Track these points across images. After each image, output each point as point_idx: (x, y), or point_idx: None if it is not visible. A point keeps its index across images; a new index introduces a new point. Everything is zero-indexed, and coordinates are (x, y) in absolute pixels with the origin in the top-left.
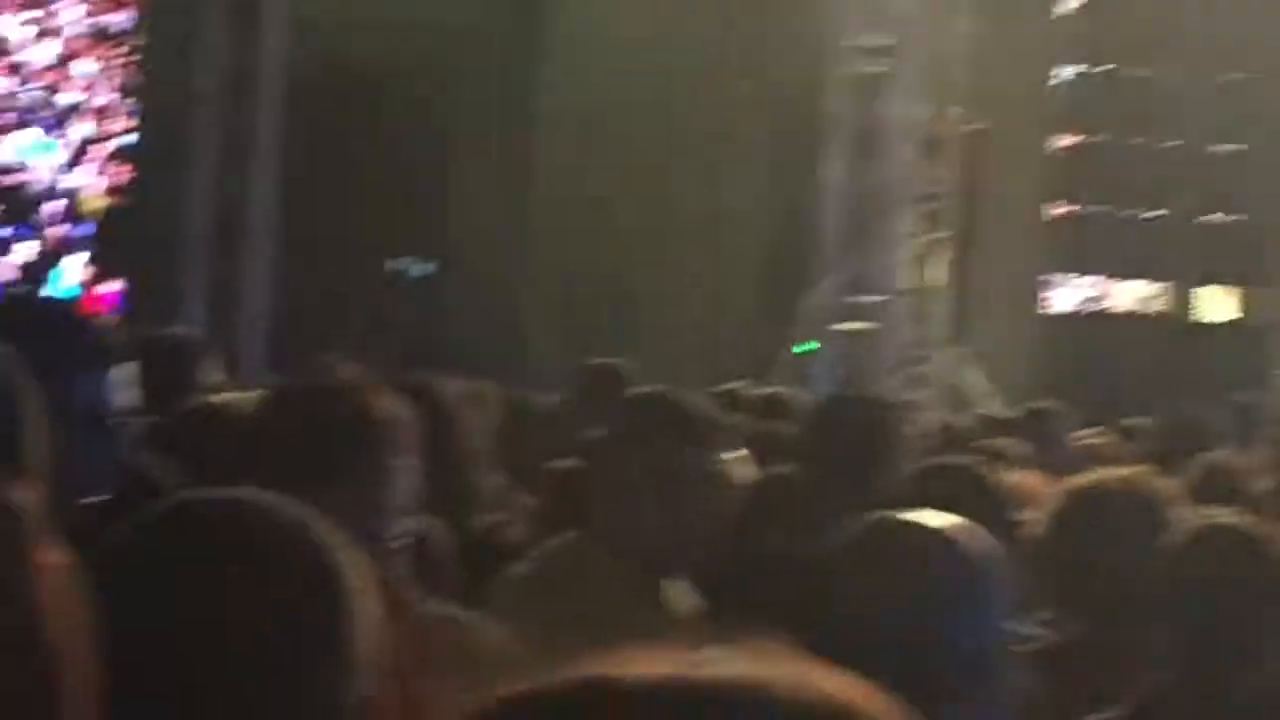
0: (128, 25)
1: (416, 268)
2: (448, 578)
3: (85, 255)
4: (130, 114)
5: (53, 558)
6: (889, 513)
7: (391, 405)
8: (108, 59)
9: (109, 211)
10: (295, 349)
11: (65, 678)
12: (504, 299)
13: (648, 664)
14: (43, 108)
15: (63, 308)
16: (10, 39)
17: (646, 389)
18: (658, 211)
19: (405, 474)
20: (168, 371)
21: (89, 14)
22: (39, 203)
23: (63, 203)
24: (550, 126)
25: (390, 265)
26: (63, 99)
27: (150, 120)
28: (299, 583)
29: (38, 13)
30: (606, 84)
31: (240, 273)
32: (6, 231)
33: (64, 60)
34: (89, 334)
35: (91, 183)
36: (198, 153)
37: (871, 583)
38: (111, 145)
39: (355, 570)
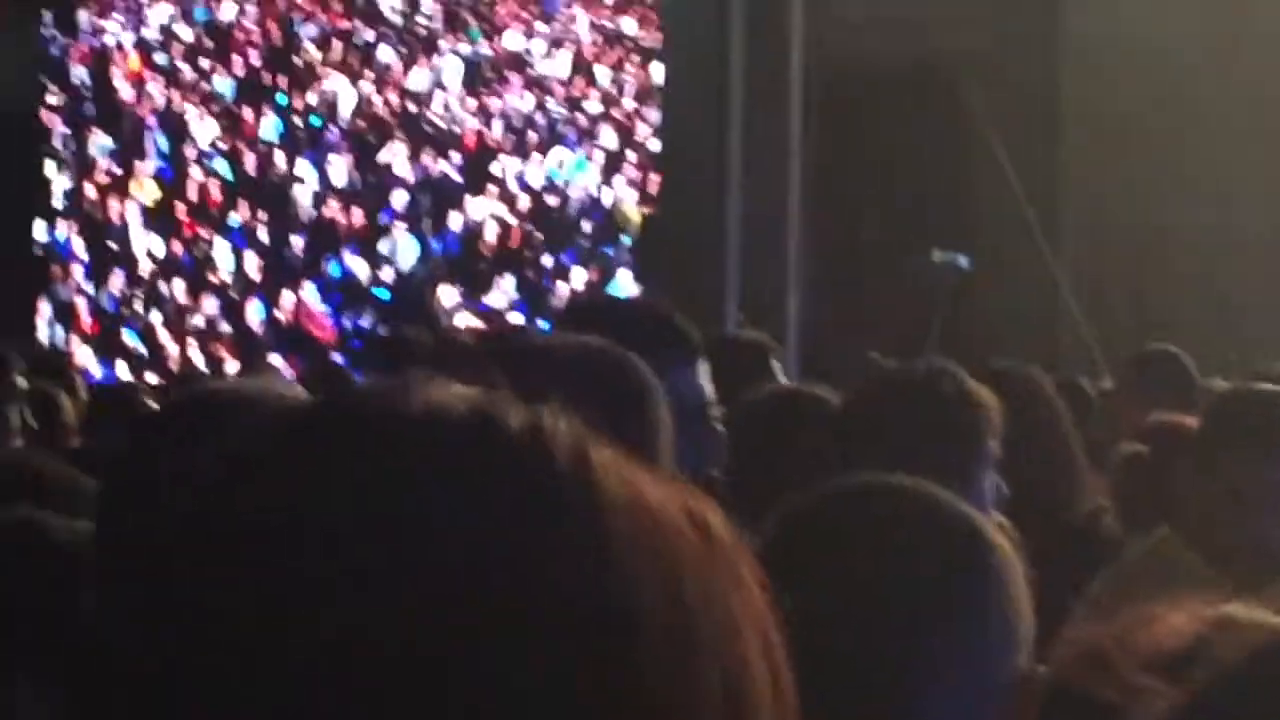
0: (641, 32)
1: (958, 260)
2: None
3: (629, 270)
4: (652, 122)
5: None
6: None
7: (985, 392)
8: (624, 66)
9: (645, 222)
10: (830, 350)
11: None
12: (1035, 290)
13: None
14: (566, 123)
15: (652, 305)
16: (523, 52)
17: (1235, 387)
18: (1183, 199)
19: (992, 462)
20: (739, 369)
21: (599, 19)
22: (580, 222)
23: (601, 219)
24: (1074, 121)
25: (930, 258)
26: (585, 109)
27: (673, 127)
28: (965, 560)
29: (544, 27)
30: (1126, 77)
31: (773, 277)
32: (548, 259)
33: (580, 71)
34: (678, 329)
35: (626, 195)
36: (725, 158)
37: None
38: (638, 155)
39: (1007, 550)
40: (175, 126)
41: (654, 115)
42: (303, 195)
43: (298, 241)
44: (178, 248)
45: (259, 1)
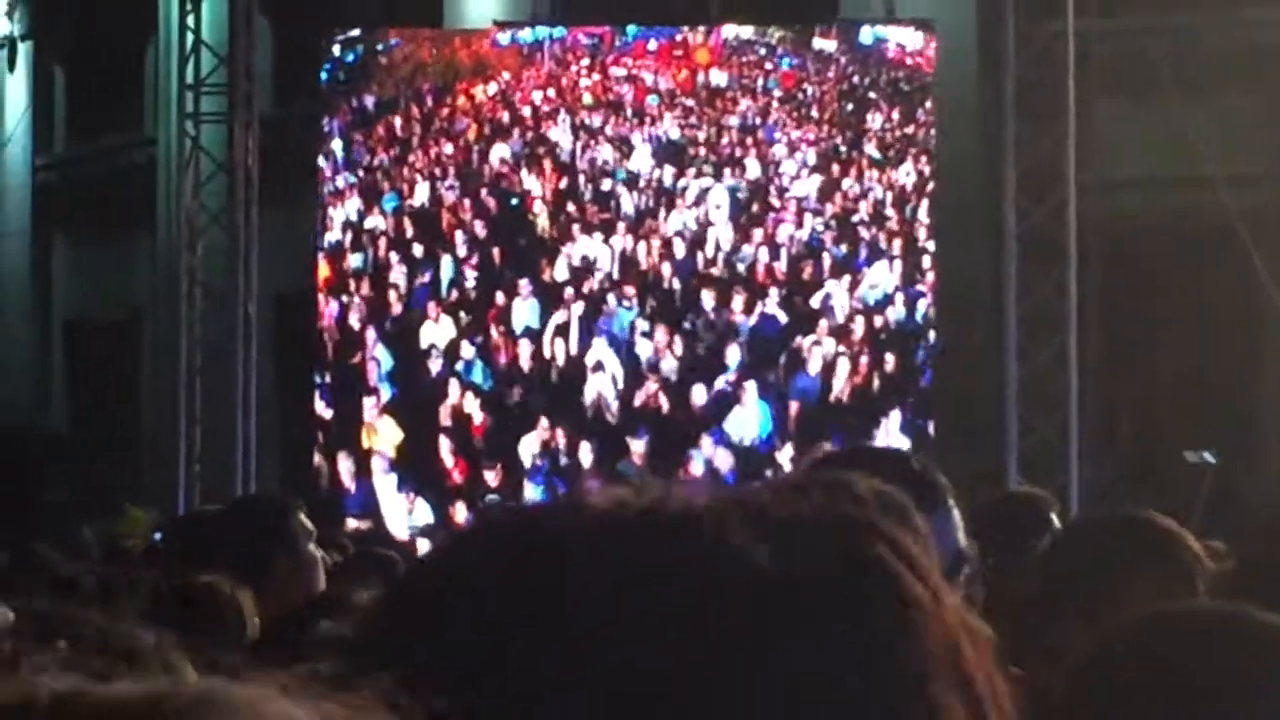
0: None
1: (1205, 458)
2: None
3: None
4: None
5: None
6: None
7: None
8: (864, 176)
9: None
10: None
11: None
12: None
13: None
14: (851, 241)
15: (904, 455)
16: (775, 179)
17: None
18: None
19: None
20: (1010, 524)
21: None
22: (917, 340)
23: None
24: None
25: (1190, 456)
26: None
27: (946, 282)
28: None
29: (781, 150)
30: None
31: (1045, 446)
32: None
33: (832, 188)
34: (929, 479)
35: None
36: (1003, 320)
37: None
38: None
39: None
40: (399, 337)
41: (922, 213)
42: (605, 386)
43: (636, 448)
44: (459, 512)
45: (461, 177)
